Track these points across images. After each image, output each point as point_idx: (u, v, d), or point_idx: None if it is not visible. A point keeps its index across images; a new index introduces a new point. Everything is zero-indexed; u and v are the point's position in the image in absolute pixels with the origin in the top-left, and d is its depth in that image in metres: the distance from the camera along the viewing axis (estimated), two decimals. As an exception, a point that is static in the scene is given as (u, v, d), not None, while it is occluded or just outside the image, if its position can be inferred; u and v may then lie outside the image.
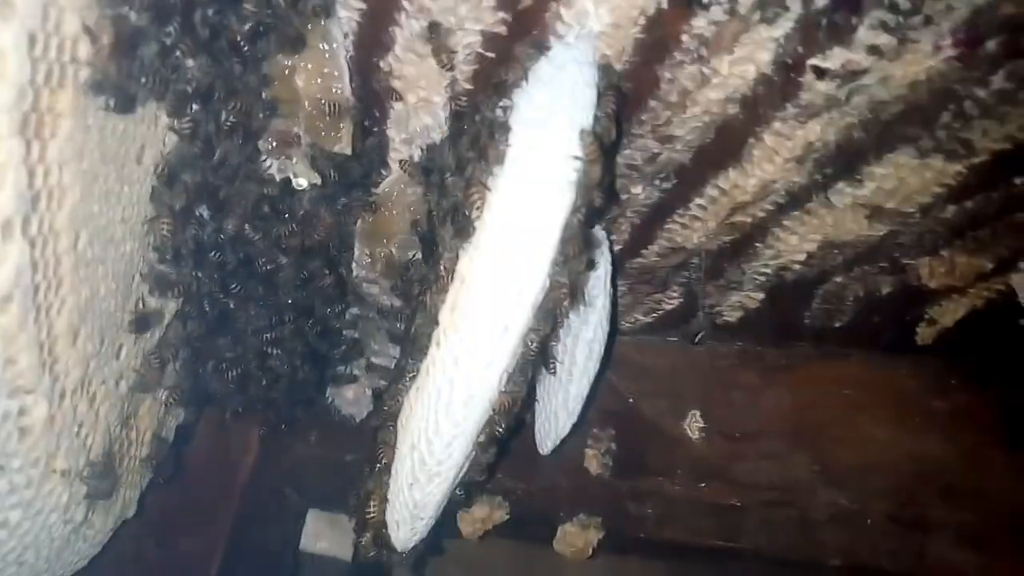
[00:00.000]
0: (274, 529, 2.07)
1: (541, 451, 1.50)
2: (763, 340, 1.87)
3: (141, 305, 1.16)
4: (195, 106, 1.09)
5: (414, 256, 1.54)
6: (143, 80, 0.93)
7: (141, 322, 1.16)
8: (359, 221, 1.53)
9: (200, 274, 1.28)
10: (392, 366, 1.78)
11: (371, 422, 1.70)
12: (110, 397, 1.12)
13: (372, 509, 1.32)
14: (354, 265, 1.64)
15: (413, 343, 1.33)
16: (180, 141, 1.10)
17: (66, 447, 1.02)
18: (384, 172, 1.48)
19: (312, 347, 1.70)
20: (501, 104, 1.10)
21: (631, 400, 1.90)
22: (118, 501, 1.31)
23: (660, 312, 1.85)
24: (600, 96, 1.09)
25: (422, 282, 1.37)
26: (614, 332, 1.43)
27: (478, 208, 1.09)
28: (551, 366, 1.28)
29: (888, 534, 1.71)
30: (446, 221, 1.19)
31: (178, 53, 0.99)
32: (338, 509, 2.20)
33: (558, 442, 1.47)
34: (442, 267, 1.18)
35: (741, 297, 1.75)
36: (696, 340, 1.90)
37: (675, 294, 1.78)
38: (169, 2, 0.94)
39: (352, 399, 1.94)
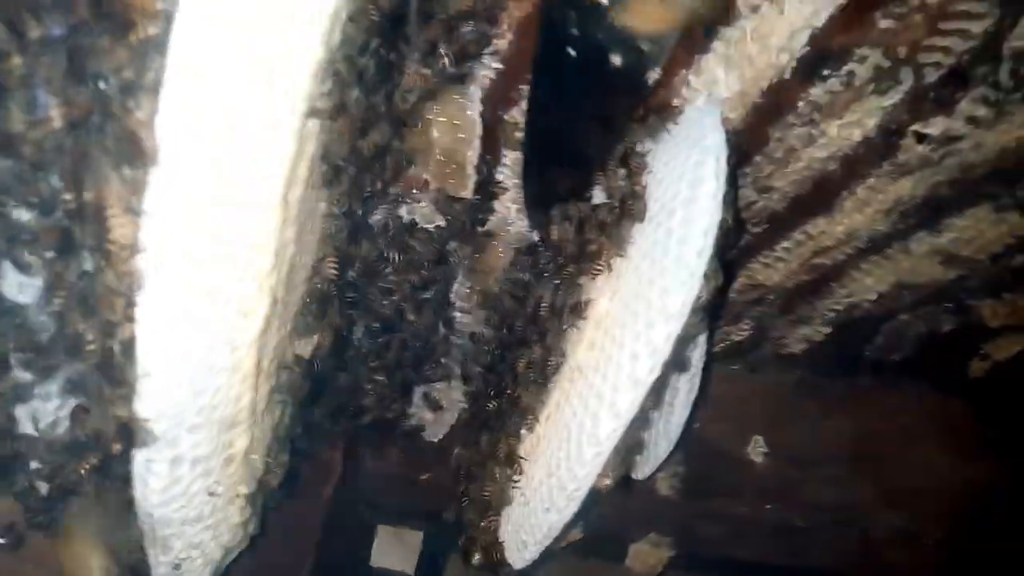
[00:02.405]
0: (350, 544, 2.15)
1: (638, 476, 1.60)
2: (824, 370, 1.98)
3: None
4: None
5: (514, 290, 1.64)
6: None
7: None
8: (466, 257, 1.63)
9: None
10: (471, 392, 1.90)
11: (459, 445, 1.78)
12: (272, 421, 1.21)
13: (488, 529, 1.42)
14: (452, 295, 1.74)
15: (517, 374, 1.44)
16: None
17: (249, 473, 1.11)
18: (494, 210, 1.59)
19: (404, 372, 1.80)
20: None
21: (697, 425, 2.00)
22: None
23: (728, 343, 1.96)
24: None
25: (533, 315, 1.47)
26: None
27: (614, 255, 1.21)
28: (665, 397, 1.40)
29: (945, 555, 1.83)
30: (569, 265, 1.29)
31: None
32: (405, 525, 2.30)
33: (656, 468, 1.58)
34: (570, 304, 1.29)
35: (808, 331, 1.86)
36: (758, 369, 2.02)
37: (746, 327, 1.89)
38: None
39: (431, 420, 2.03)
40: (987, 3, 1.07)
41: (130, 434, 0.89)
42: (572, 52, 1.25)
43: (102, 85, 0.75)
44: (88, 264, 0.79)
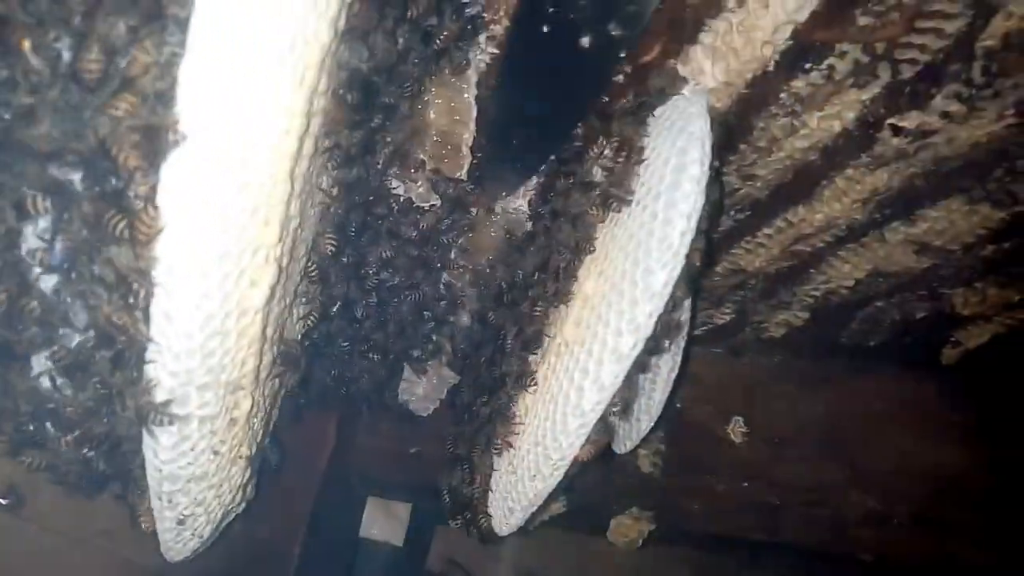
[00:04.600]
0: (341, 515, 2.22)
1: (618, 451, 1.67)
2: (801, 354, 2.05)
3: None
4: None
5: (504, 270, 1.70)
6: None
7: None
8: (460, 236, 1.69)
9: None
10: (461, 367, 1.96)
11: (451, 420, 1.85)
12: (272, 389, 1.27)
13: (476, 496, 1.49)
14: (445, 274, 1.79)
15: (505, 350, 1.50)
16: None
17: (250, 436, 1.17)
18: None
19: (398, 345, 1.86)
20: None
21: (679, 405, 2.07)
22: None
23: (711, 326, 2.02)
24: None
25: (517, 293, 1.53)
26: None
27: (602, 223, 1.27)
28: (648, 374, 1.46)
29: (913, 534, 1.91)
30: (563, 233, 1.35)
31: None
32: (394, 497, 2.36)
33: (637, 443, 1.64)
34: (555, 284, 1.35)
35: (788, 315, 1.93)
36: (739, 352, 2.09)
37: (728, 311, 1.96)
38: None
39: (422, 395, 2.09)
40: (960, 3, 1.12)
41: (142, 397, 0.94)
42: (545, 30, 1.28)
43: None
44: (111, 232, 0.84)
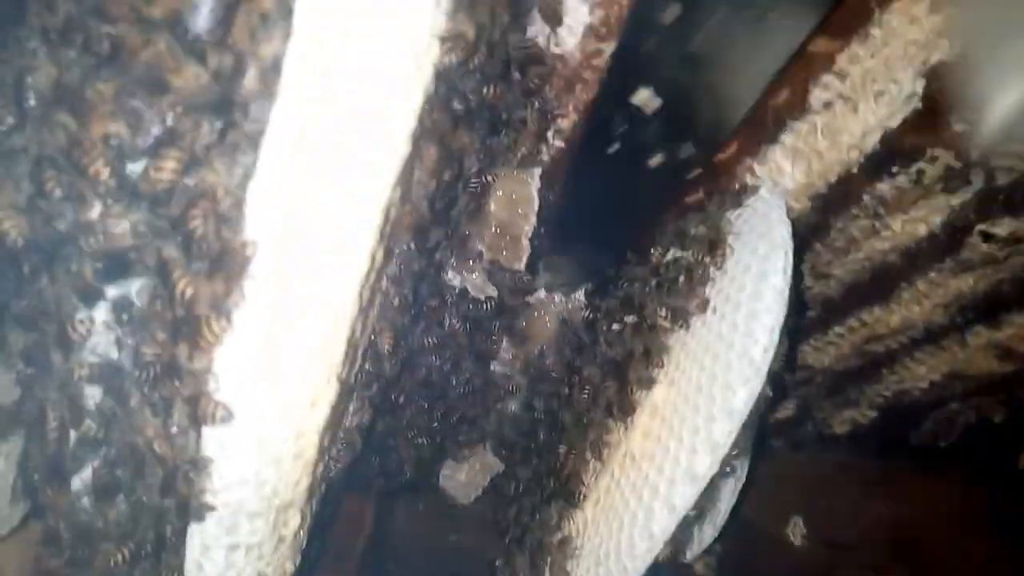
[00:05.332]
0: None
1: (681, 560, 1.57)
2: (866, 453, 1.94)
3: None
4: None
5: (555, 360, 1.63)
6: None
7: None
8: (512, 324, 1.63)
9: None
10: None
11: (499, 512, 1.76)
12: (321, 495, 1.20)
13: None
14: (495, 363, 1.73)
15: (559, 450, 1.43)
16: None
17: (296, 549, 1.10)
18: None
19: (442, 435, 1.79)
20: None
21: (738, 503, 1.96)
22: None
23: (771, 420, 1.92)
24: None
25: (576, 392, 1.46)
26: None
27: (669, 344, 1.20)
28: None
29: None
30: (632, 349, 1.28)
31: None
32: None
33: (699, 554, 1.54)
34: (624, 393, 1.27)
35: (854, 413, 1.83)
36: (799, 448, 1.99)
37: (790, 405, 1.86)
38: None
39: (464, 482, 2.01)
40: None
41: (187, 512, 0.88)
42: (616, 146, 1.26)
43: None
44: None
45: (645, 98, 1.23)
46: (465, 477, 2.01)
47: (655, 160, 1.21)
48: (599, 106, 1.20)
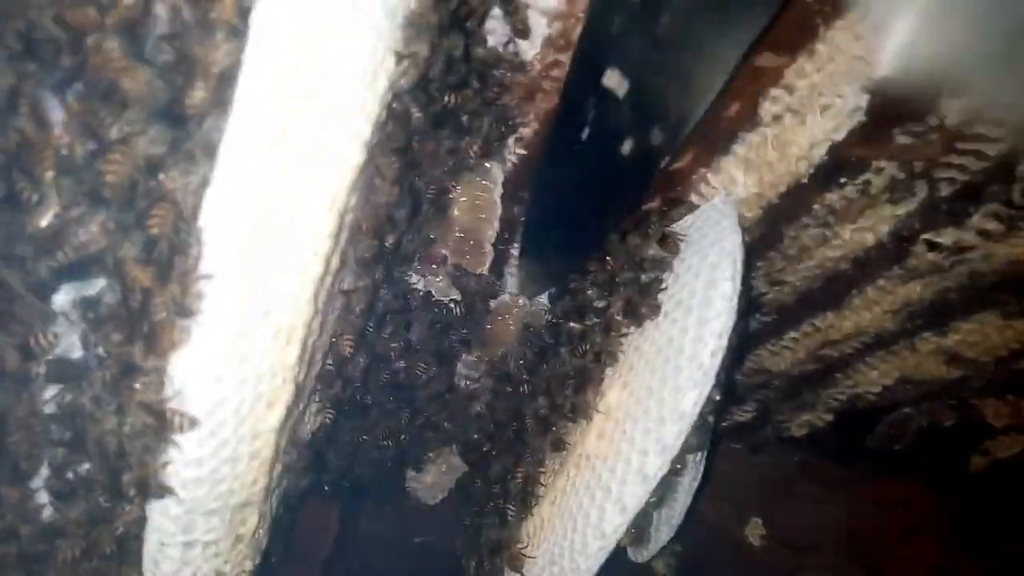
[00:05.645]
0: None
1: (637, 560, 1.59)
2: (823, 454, 1.98)
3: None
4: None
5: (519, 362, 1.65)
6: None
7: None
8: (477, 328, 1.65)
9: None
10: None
11: (463, 512, 1.78)
12: (279, 496, 1.22)
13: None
14: (460, 365, 1.75)
15: (519, 451, 1.45)
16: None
17: (254, 548, 1.11)
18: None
19: (407, 437, 1.80)
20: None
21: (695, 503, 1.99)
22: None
23: (731, 423, 1.96)
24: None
25: (537, 394, 1.48)
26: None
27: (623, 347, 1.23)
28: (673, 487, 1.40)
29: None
30: (589, 352, 1.31)
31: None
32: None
33: (655, 553, 1.57)
34: (581, 395, 1.30)
35: (811, 416, 1.87)
36: (758, 450, 2.03)
37: (749, 409, 1.90)
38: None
39: (430, 483, 2.03)
40: (1003, 129, 1.10)
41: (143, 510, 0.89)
42: (584, 135, 1.26)
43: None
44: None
45: (615, 80, 1.23)
46: (431, 478, 2.03)
47: (626, 146, 1.21)
48: (568, 94, 1.21)
